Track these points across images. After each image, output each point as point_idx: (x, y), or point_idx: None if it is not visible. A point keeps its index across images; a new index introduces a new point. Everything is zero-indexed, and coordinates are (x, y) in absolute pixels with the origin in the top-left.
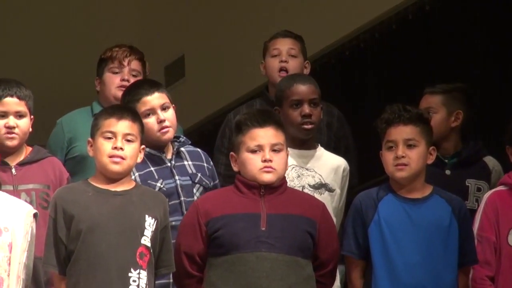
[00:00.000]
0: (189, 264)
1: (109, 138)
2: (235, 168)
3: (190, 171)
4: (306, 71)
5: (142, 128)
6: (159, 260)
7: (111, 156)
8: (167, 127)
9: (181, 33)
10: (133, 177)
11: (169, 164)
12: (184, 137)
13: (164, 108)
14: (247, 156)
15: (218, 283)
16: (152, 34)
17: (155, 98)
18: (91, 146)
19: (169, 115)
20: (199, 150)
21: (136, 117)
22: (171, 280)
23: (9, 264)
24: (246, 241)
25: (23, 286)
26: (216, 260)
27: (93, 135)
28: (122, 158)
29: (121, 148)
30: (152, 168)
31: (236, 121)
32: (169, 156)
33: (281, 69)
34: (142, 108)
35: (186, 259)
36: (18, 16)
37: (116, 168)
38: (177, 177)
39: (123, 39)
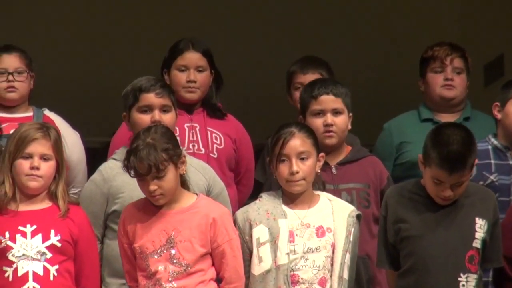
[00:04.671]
0: (509, 268)
1: None
2: None
3: None
4: None
5: None
6: (486, 254)
7: None
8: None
9: (501, 32)
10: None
11: (511, 162)
12: None
13: None
14: None
15: None
16: (472, 32)
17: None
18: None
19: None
20: None
21: None
22: (490, 279)
23: (332, 264)
24: None
25: (345, 287)
26: None
27: None
28: None
29: None
30: (492, 161)
31: None
32: None
33: None
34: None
35: (506, 263)
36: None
37: None
38: None
39: (444, 37)
